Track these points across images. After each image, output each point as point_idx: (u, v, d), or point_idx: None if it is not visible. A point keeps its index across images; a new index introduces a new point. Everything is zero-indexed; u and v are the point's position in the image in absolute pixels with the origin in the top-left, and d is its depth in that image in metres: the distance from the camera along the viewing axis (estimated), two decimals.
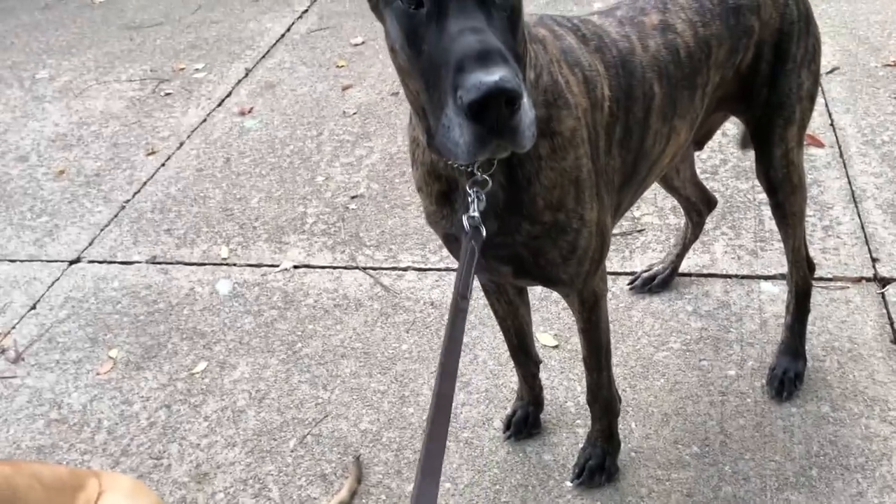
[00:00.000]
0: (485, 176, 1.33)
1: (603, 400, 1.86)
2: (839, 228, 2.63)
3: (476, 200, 1.32)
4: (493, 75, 1.01)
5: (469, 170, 1.34)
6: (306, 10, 5.08)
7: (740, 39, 1.73)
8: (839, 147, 3.01)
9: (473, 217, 1.31)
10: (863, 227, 2.62)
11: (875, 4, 4.03)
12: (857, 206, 2.71)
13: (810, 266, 2.13)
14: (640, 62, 1.60)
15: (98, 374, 2.54)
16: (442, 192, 1.47)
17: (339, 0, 5.13)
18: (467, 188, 1.34)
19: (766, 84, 1.80)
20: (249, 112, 3.96)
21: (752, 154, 1.95)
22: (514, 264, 1.50)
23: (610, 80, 1.54)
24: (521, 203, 1.40)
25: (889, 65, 3.49)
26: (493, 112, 1.03)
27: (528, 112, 1.08)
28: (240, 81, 4.29)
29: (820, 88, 3.37)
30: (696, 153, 2.49)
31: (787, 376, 2.12)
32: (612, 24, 1.64)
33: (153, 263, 3.01)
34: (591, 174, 1.47)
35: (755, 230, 2.69)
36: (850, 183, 2.82)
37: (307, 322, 2.61)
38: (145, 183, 3.52)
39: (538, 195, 1.40)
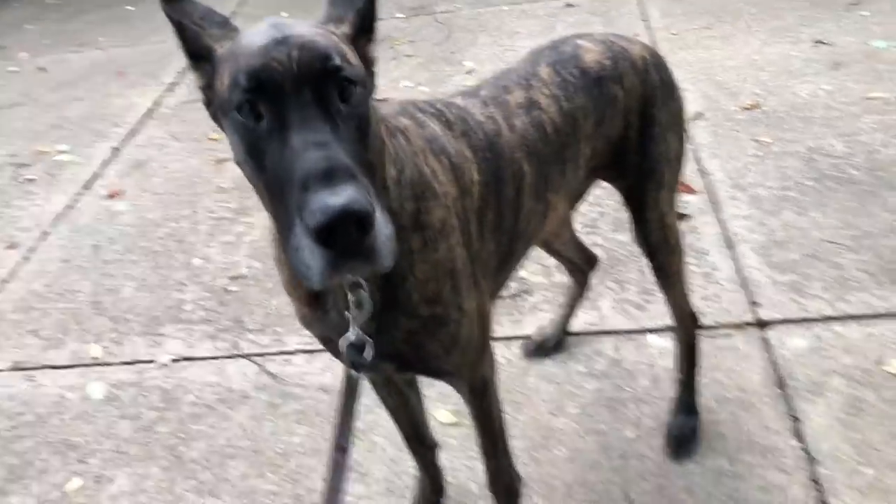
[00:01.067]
0: (359, 279, 1.26)
1: (503, 485, 1.80)
2: (717, 274, 2.70)
3: (355, 310, 1.25)
4: (340, 196, 0.94)
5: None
6: (175, 83, 4.93)
7: (605, 110, 1.74)
8: (709, 193, 3.11)
9: (350, 339, 1.25)
10: (739, 272, 2.69)
11: (729, 51, 4.24)
12: (732, 251, 2.79)
13: (694, 319, 2.15)
14: (508, 143, 1.57)
15: None
16: (313, 294, 1.40)
17: None
18: (347, 294, 1.27)
19: (636, 151, 1.82)
20: (119, 194, 3.76)
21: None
22: (396, 361, 1.43)
23: (478, 165, 1.50)
24: (397, 300, 1.34)
25: (746, 108, 3.66)
26: (343, 236, 0.96)
27: (383, 229, 1.02)
28: (107, 162, 4.09)
29: (687, 136, 3.50)
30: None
31: (684, 433, 2.13)
32: (476, 105, 1.61)
33: (17, 370, 2.78)
34: (466, 262, 1.43)
35: (639, 282, 2.72)
36: (723, 227, 2.91)
37: (189, 422, 2.45)
38: (5, 281, 3.27)
39: (413, 290, 1.34)
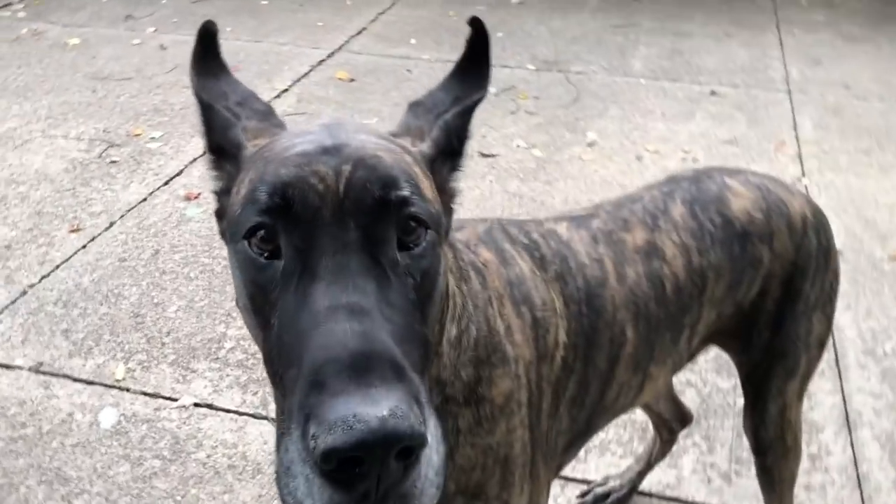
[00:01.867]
0: None
1: None
2: (828, 460, 2.26)
3: None
4: (378, 407, 0.61)
5: None
6: (286, 89, 4.77)
7: (744, 272, 1.39)
8: (836, 353, 2.66)
9: None
10: (856, 464, 2.24)
11: (885, 184, 3.75)
12: (850, 434, 2.34)
13: None
14: (613, 298, 1.24)
15: None
16: None
17: (324, 84, 4.82)
18: None
19: (770, 326, 1.46)
20: (196, 198, 3.57)
21: None
22: None
23: (569, 322, 1.18)
24: None
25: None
26: (367, 471, 0.62)
27: (432, 463, 0.67)
28: (195, 160, 3.91)
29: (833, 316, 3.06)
30: None
31: None
32: (583, 240, 1.28)
33: (37, 372, 2.57)
34: (526, 448, 1.10)
35: (732, 445, 2.31)
36: (844, 402, 2.46)
37: (191, 484, 2.18)
38: (58, 266, 3.10)
39: (450, 479, 1.01)
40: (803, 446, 2.27)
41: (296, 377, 0.68)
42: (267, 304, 0.74)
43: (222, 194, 0.90)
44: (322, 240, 0.72)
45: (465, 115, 0.94)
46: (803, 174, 3.81)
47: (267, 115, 0.95)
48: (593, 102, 4.64)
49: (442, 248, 0.84)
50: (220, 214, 0.90)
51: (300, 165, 0.76)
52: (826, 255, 1.49)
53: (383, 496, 0.64)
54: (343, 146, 0.78)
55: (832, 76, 5.05)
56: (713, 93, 4.76)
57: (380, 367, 0.65)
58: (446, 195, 0.90)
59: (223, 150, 0.90)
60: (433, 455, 0.68)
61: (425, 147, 0.89)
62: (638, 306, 1.27)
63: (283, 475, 0.67)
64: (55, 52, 5.25)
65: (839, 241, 3.22)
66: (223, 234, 0.88)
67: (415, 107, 0.97)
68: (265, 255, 0.75)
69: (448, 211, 0.91)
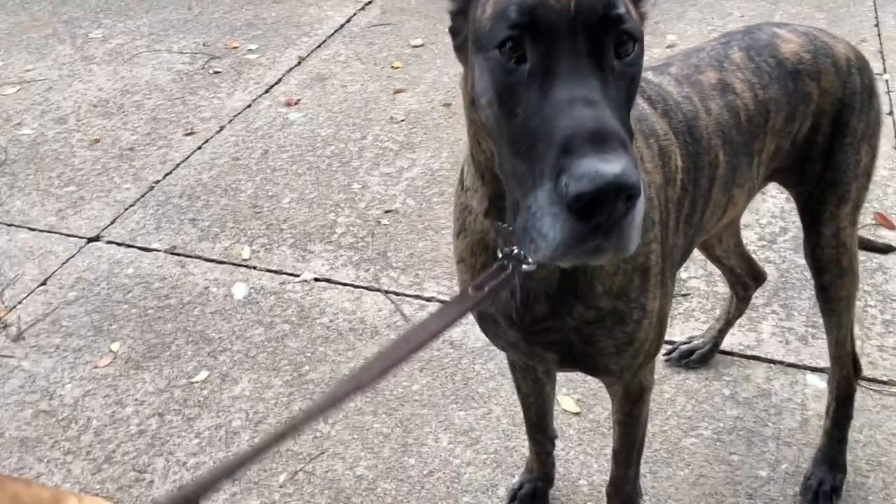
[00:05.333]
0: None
1: (625, 495, 1.70)
2: None
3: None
4: (613, 166, 0.82)
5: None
6: (370, 2, 4.94)
7: (798, 107, 1.57)
8: None
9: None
10: None
11: None
12: None
13: (856, 366, 1.93)
14: (706, 127, 1.44)
15: (96, 367, 2.43)
16: (486, 266, 1.31)
17: None
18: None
19: (822, 158, 1.64)
20: (296, 104, 3.83)
21: None
22: (561, 352, 1.33)
23: (680, 149, 1.38)
24: (577, 284, 1.24)
25: None
26: (603, 210, 0.84)
27: (640, 212, 0.90)
28: (291, 69, 4.16)
29: (878, 149, 3.15)
30: (743, 222, 2.30)
31: (823, 489, 1.92)
32: (670, 83, 1.47)
33: (172, 254, 2.90)
34: (660, 260, 1.31)
35: (808, 313, 2.49)
36: None
37: (319, 343, 2.47)
38: (178, 165, 3.41)
39: (596, 279, 1.24)
40: (876, 313, 2.45)
41: (545, 150, 0.89)
42: (513, 100, 0.94)
43: (457, 14, 1.08)
44: (560, 48, 0.92)
45: None
46: (885, 70, 3.84)
47: None
48: (672, 6, 4.68)
49: (642, 64, 1.03)
50: (455, 31, 1.09)
51: None
52: (870, 93, 1.64)
53: (609, 229, 0.86)
54: None
55: None
56: None
57: (611, 140, 0.86)
58: (641, 19, 1.09)
59: None
60: (641, 210, 0.90)
61: None
62: (724, 133, 1.46)
63: (529, 219, 0.89)
64: None
65: None
66: (459, 46, 1.07)
67: None
68: (513, 60, 0.94)
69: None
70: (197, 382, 2.36)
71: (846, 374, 1.91)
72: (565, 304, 1.25)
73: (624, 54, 0.95)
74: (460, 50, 1.07)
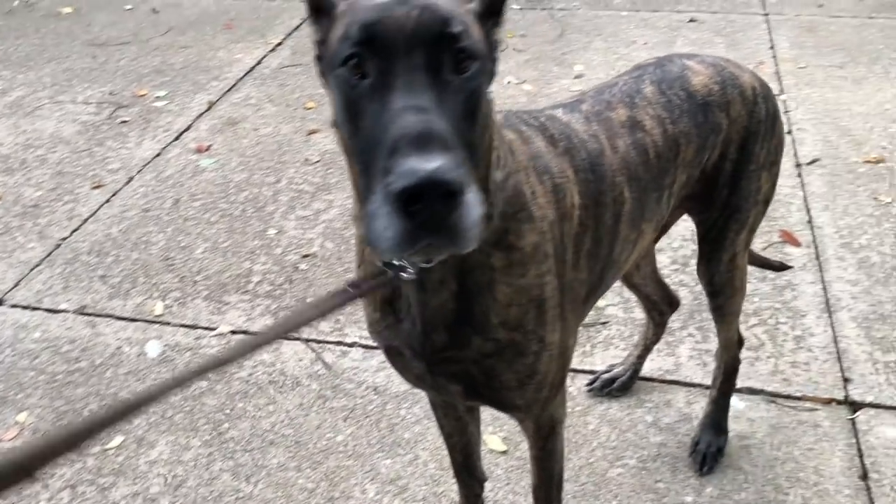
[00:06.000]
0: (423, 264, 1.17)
1: None
2: (811, 340, 2.50)
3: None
4: (430, 163, 0.87)
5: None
6: (280, 43, 4.91)
7: (708, 137, 1.63)
8: (816, 248, 2.89)
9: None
10: (836, 341, 2.48)
11: (859, 95, 3.95)
12: (830, 317, 2.58)
13: (740, 342, 2.11)
14: (610, 165, 1.47)
15: (0, 440, 2.30)
16: (386, 299, 1.32)
17: None
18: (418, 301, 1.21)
19: (728, 185, 1.71)
20: (207, 150, 3.76)
21: None
22: (464, 383, 1.34)
23: (580, 186, 1.41)
24: (472, 315, 1.26)
25: (870, 161, 3.39)
26: (426, 206, 0.88)
27: (471, 209, 0.92)
28: (201, 115, 4.09)
29: (800, 181, 3.28)
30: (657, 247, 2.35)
31: (710, 451, 2.12)
32: (579, 121, 1.51)
33: (81, 314, 2.79)
34: (556, 292, 1.33)
35: None
36: (825, 289, 2.69)
37: (237, 399, 2.41)
38: (86, 220, 3.30)
39: (491, 310, 1.26)
40: (787, 330, 2.52)
41: (379, 156, 0.93)
42: (358, 114, 0.99)
43: (320, 43, 1.12)
44: (397, 63, 0.97)
45: None
46: (782, 91, 4.00)
47: None
48: (578, 37, 4.80)
49: (486, 84, 1.07)
50: (319, 58, 1.13)
51: (381, 11, 0.99)
52: (773, 121, 1.72)
53: (435, 224, 0.89)
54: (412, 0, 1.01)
55: None
56: (692, 20, 4.92)
57: (435, 141, 0.90)
58: (491, 45, 1.12)
59: (320, 9, 1.12)
60: (471, 209, 0.93)
61: (475, 5, 1.11)
62: (630, 171, 1.50)
63: (370, 222, 0.93)
64: (50, 22, 5.37)
65: (818, 149, 3.46)
66: (322, 72, 1.11)
67: None
68: (357, 76, 0.99)
69: (493, 59, 1.13)
70: (111, 449, 2.26)
71: (733, 354, 2.10)
72: (463, 334, 1.27)
73: (462, 70, 1.00)
74: (324, 75, 1.11)
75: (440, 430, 1.78)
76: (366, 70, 0.98)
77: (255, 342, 1.09)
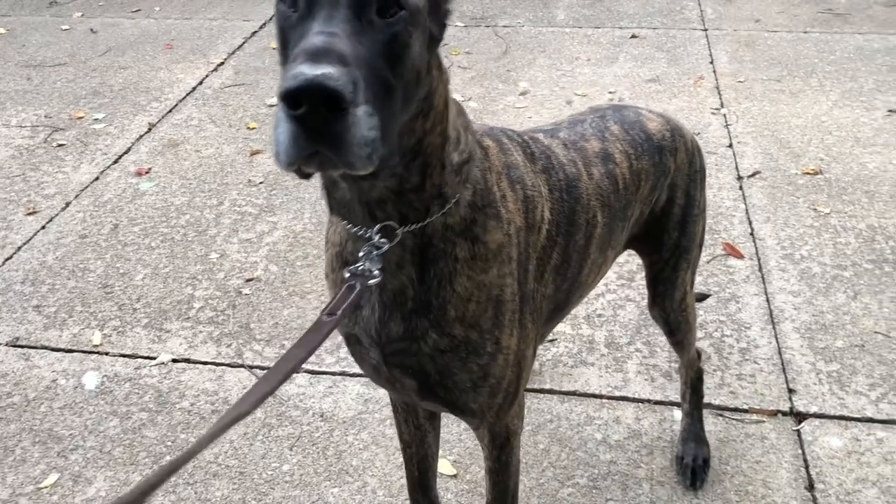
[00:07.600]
0: (383, 240, 1.20)
1: None
2: (756, 352, 2.52)
3: (368, 256, 1.20)
4: (316, 70, 0.89)
5: (367, 235, 1.21)
6: (223, 63, 4.84)
7: (659, 178, 1.73)
8: (758, 260, 2.93)
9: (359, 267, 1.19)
10: (780, 353, 2.51)
11: (796, 108, 4.04)
12: (774, 329, 2.61)
13: (699, 355, 2.17)
14: (586, 189, 1.53)
15: None
16: (342, 281, 1.29)
17: (259, 55, 4.91)
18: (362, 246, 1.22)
19: (678, 227, 1.82)
20: (147, 173, 3.67)
21: None
22: (418, 379, 1.34)
23: (553, 204, 1.45)
24: (430, 306, 1.26)
25: (808, 173, 3.46)
26: (313, 112, 0.90)
27: (361, 125, 0.94)
28: (141, 137, 3.99)
29: (741, 193, 3.32)
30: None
31: (697, 464, 2.12)
32: (558, 146, 1.57)
33: (14, 346, 2.68)
34: (516, 297, 1.34)
35: (670, 349, 2.54)
36: (768, 301, 2.73)
37: (180, 430, 2.33)
38: (20, 248, 3.19)
39: (449, 303, 1.26)
40: (732, 343, 2.54)
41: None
42: (287, 42, 1.04)
43: None
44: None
45: None
46: (722, 105, 4.07)
47: None
48: (522, 54, 4.83)
49: (418, 37, 1.07)
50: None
51: None
52: (703, 172, 1.86)
53: (322, 132, 0.91)
54: None
55: (743, 12, 5.33)
56: (634, 36, 4.99)
57: (330, 55, 0.92)
58: (439, 12, 1.14)
59: None
60: (361, 126, 0.94)
61: None
62: (603, 197, 1.56)
63: (273, 132, 0.95)
64: None
65: (758, 162, 3.52)
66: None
67: None
68: (292, 9, 1.02)
69: (441, 25, 1.15)
70: (45, 487, 2.17)
71: (696, 368, 2.15)
72: (419, 326, 1.28)
73: (388, 15, 1.02)
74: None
75: (399, 437, 1.77)
76: (298, 3, 1.02)
77: (255, 400, 1.05)
